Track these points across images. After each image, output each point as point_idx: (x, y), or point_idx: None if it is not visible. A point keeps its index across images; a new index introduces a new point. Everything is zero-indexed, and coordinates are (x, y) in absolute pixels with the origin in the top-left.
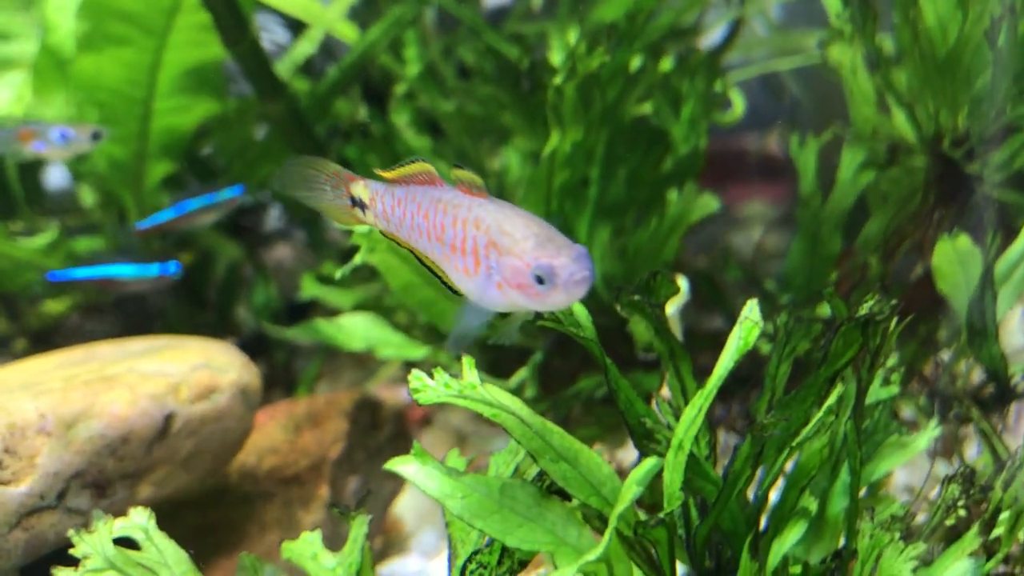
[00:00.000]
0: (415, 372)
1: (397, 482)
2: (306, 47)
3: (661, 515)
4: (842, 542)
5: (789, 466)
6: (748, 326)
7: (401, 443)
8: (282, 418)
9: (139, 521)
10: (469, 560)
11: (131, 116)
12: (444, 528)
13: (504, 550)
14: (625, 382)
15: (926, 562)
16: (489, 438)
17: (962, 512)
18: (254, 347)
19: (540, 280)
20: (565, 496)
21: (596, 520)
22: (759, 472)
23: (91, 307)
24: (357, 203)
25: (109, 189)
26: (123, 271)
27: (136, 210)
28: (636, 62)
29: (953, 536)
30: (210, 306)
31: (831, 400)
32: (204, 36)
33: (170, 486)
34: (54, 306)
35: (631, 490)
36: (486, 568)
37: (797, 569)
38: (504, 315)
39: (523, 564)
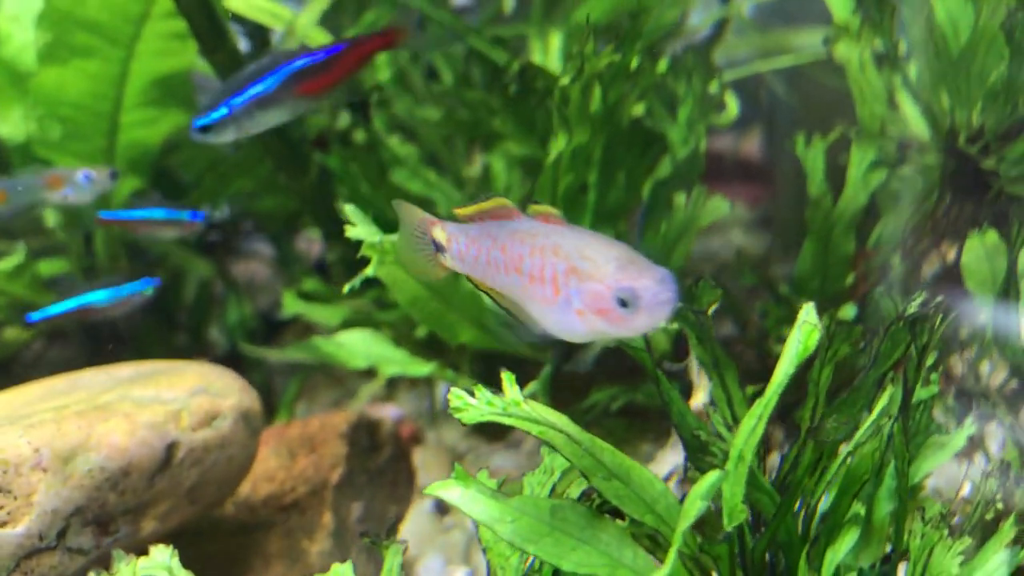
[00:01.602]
0: (455, 391)
1: (401, 506)
2: None
3: (726, 531)
4: (888, 546)
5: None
6: (808, 330)
7: (402, 464)
8: (274, 443)
9: (162, 559)
10: None
11: (97, 131)
12: (447, 553)
13: (556, 572)
14: (676, 393)
15: (968, 557)
16: (485, 456)
17: (1000, 506)
18: (229, 368)
19: (623, 303)
20: (615, 515)
21: (646, 539)
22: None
23: (55, 333)
24: (438, 247)
25: (74, 208)
26: (98, 297)
27: (103, 230)
28: (634, 63)
29: (986, 530)
30: (182, 327)
31: (883, 402)
32: (173, 45)
33: (174, 519)
34: (14, 333)
35: (695, 505)
36: None
37: (853, 574)
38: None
39: None
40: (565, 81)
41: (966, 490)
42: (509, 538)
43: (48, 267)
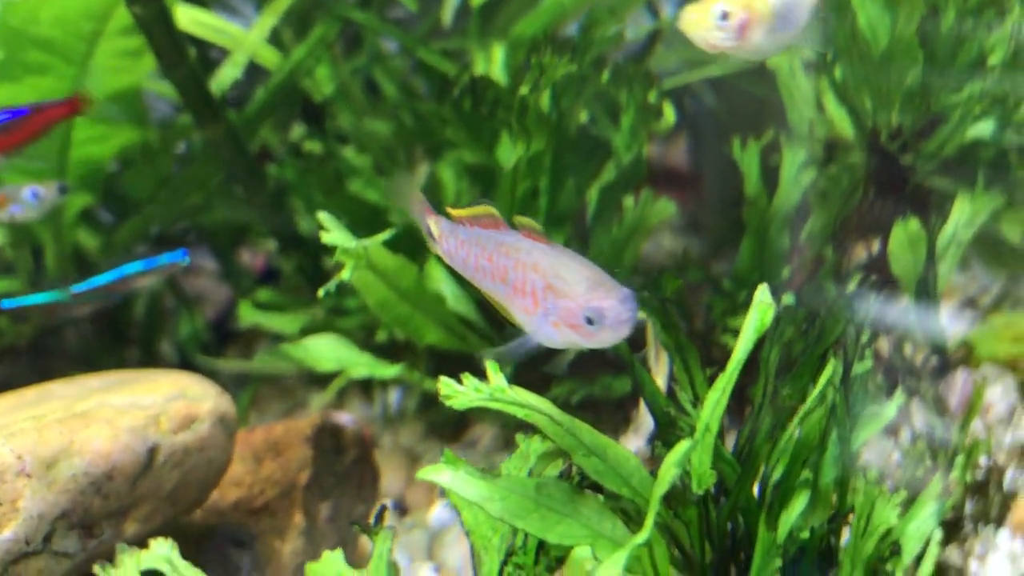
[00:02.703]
0: (444, 379)
1: (367, 505)
2: (232, 71)
3: (696, 493)
4: (832, 509)
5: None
6: (763, 308)
7: (366, 466)
8: (239, 449)
9: (162, 552)
10: (504, 563)
11: (49, 148)
12: (411, 550)
13: (539, 549)
14: (648, 375)
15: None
16: (440, 456)
17: (928, 463)
18: None
19: (590, 321)
20: (594, 490)
21: (621, 513)
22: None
23: (4, 349)
24: (430, 234)
25: (23, 225)
26: (135, 268)
27: (54, 246)
28: (583, 72)
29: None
30: (133, 341)
31: (827, 373)
32: (125, 63)
33: (156, 521)
34: None
35: (670, 472)
36: (523, 569)
37: (805, 534)
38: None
39: (560, 561)
40: (525, 91)
41: (895, 459)
42: (499, 515)
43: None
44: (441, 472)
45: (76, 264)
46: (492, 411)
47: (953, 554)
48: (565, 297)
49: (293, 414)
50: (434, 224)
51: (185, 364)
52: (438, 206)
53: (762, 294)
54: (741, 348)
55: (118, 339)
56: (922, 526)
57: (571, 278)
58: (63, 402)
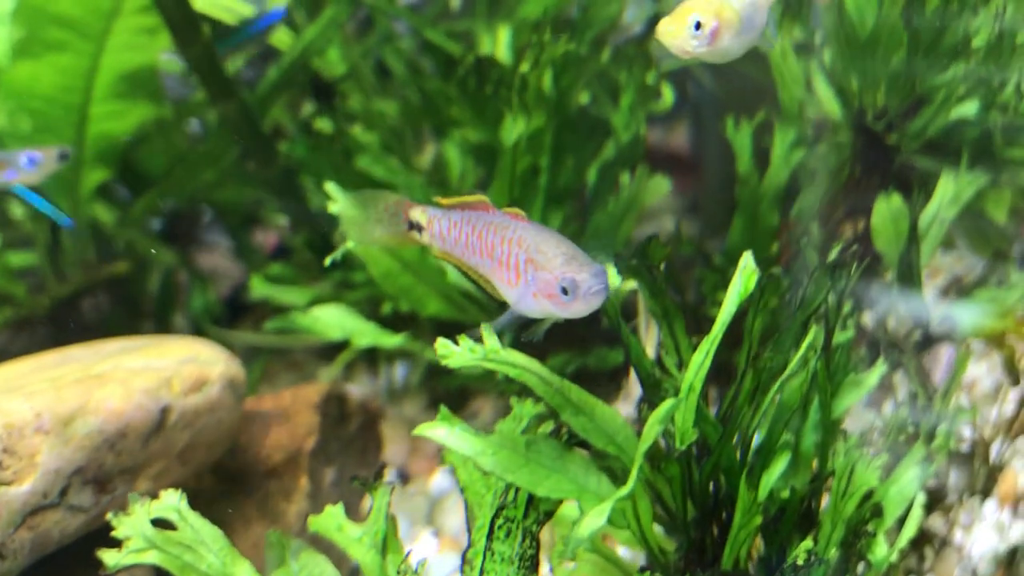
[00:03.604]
0: (441, 340)
1: (371, 471)
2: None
3: (679, 450)
4: (813, 472)
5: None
6: (747, 274)
7: (371, 434)
8: (249, 415)
9: (172, 502)
10: (496, 516)
11: (67, 123)
12: (412, 516)
13: (529, 503)
14: (635, 339)
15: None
16: None
17: (910, 430)
18: None
19: (565, 291)
20: (581, 448)
21: (606, 471)
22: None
23: (23, 322)
24: (415, 226)
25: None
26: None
27: (72, 220)
28: (583, 52)
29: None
30: (147, 314)
31: (809, 338)
32: (142, 40)
33: (167, 480)
34: None
35: (654, 428)
36: (513, 522)
37: (786, 494)
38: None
39: (548, 515)
40: (525, 68)
41: (878, 429)
42: (490, 468)
43: (17, 259)
44: (437, 428)
45: (94, 237)
46: (492, 384)
47: (937, 523)
48: (543, 269)
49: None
50: (420, 213)
51: (198, 337)
52: (443, 184)
53: (746, 260)
54: (725, 311)
55: (134, 312)
56: (904, 489)
57: (550, 252)
58: (80, 364)
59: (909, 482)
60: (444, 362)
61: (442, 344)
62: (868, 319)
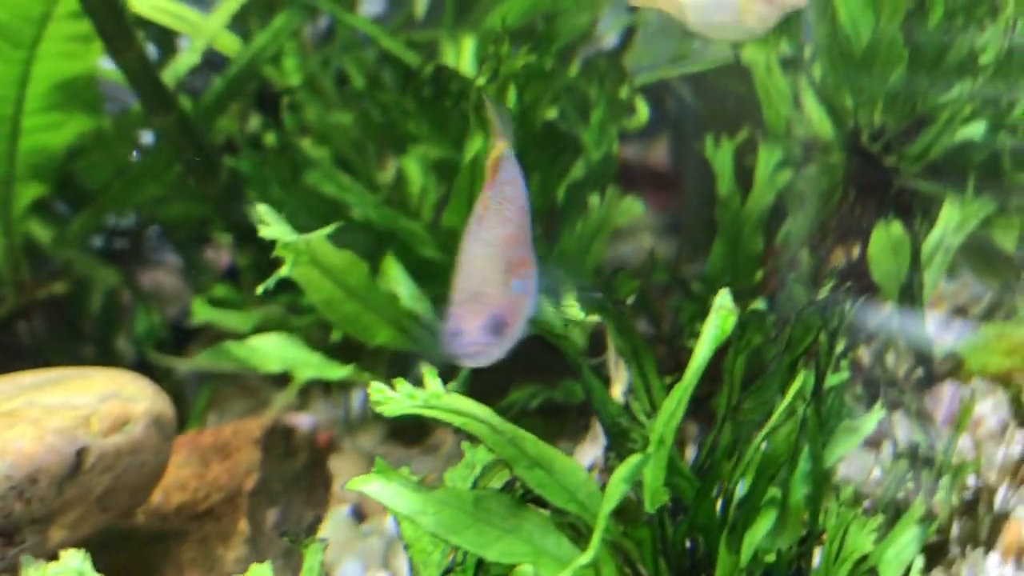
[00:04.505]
0: (375, 384)
1: (318, 511)
2: (190, 58)
3: (648, 512)
4: (803, 530)
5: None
6: (723, 314)
7: (318, 470)
8: (186, 451)
9: (74, 564)
10: None
11: None
12: (366, 558)
13: (479, 567)
14: (598, 382)
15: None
16: (403, 461)
17: (910, 484)
18: None
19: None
20: (539, 505)
21: (568, 529)
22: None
23: None
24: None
25: None
26: None
27: (4, 238)
28: (548, 65)
29: (897, 509)
30: (87, 337)
31: (796, 385)
32: (76, 48)
33: (84, 528)
34: None
35: (619, 488)
36: None
37: (771, 558)
38: None
39: None
40: (481, 81)
41: (875, 474)
42: (432, 529)
43: None
44: (371, 483)
45: (29, 256)
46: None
47: None
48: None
49: (255, 414)
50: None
51: (142, 362)
52: (403, 202)
53: (722, 299)
54: (699, 356)
55: (73, 336)
56: (902, 552)
57: (459, 287)
58: None
59: (907, 544)
60: (378, 410)
61: (376, 389)
62: (865, 354)
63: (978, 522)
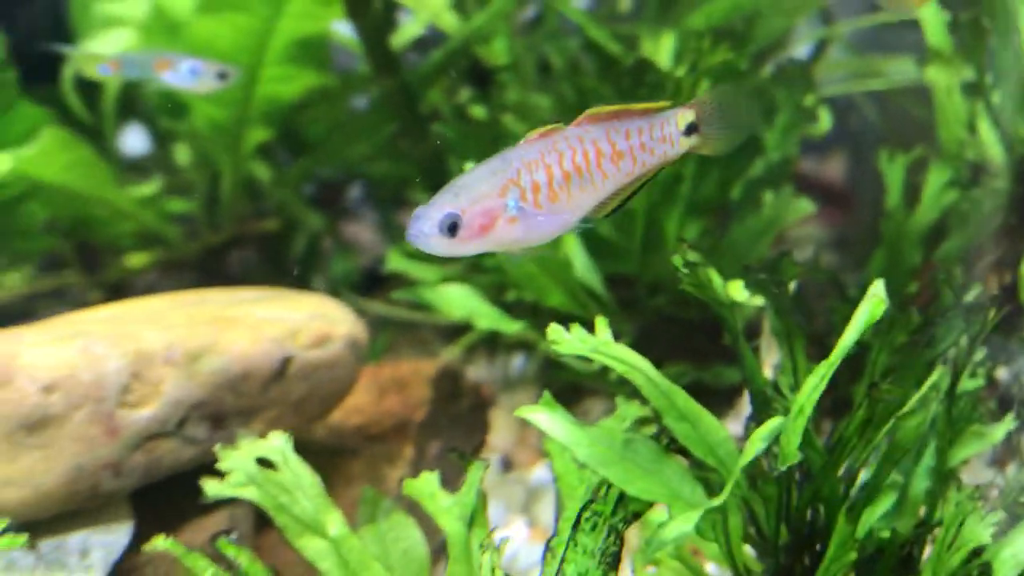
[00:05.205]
0: (554, 325)
1: (474, 450)
2: (413, 28)
3: (779, 469)
4: (919, 520)
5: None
6: (875, 302)
7: (479, 415)
8: (367, 381)
9: (278, 444)
10: (584, 509)
11: (237, 81)
12: (508, 503)
13: (619, 501)
14: (750, 352)
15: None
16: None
17: None
18: None
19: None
20: (681, 455)
21: (703, 482)
22: None
23: (172, 264)
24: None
25: (206, 151)
26: None
27: (231, 174)
28: (743, 65)
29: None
30: (288, 273)
31: (932, 379)
32: (317, 9)
33: (279, 426)
34: (136, 259)
35: (755, 444)
36: (600, 517)
37: (887, 534)
38: None
39: (636, 515)
40: (681, 73)
41: (996, 493)
42: (585, 459)
43: (176, 205)
44: (538, 412)
45: (249, 193)
46: (605, 384)
47: None
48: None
49: None
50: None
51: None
52: None
53: (876, 288)
54: (848, 336)
55: (277, 269)
56: (1019, 553)
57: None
58: (216, 306)
59: None
60: (553, 347)
61: (554, 330)
62: (1003, 374)
63: None
